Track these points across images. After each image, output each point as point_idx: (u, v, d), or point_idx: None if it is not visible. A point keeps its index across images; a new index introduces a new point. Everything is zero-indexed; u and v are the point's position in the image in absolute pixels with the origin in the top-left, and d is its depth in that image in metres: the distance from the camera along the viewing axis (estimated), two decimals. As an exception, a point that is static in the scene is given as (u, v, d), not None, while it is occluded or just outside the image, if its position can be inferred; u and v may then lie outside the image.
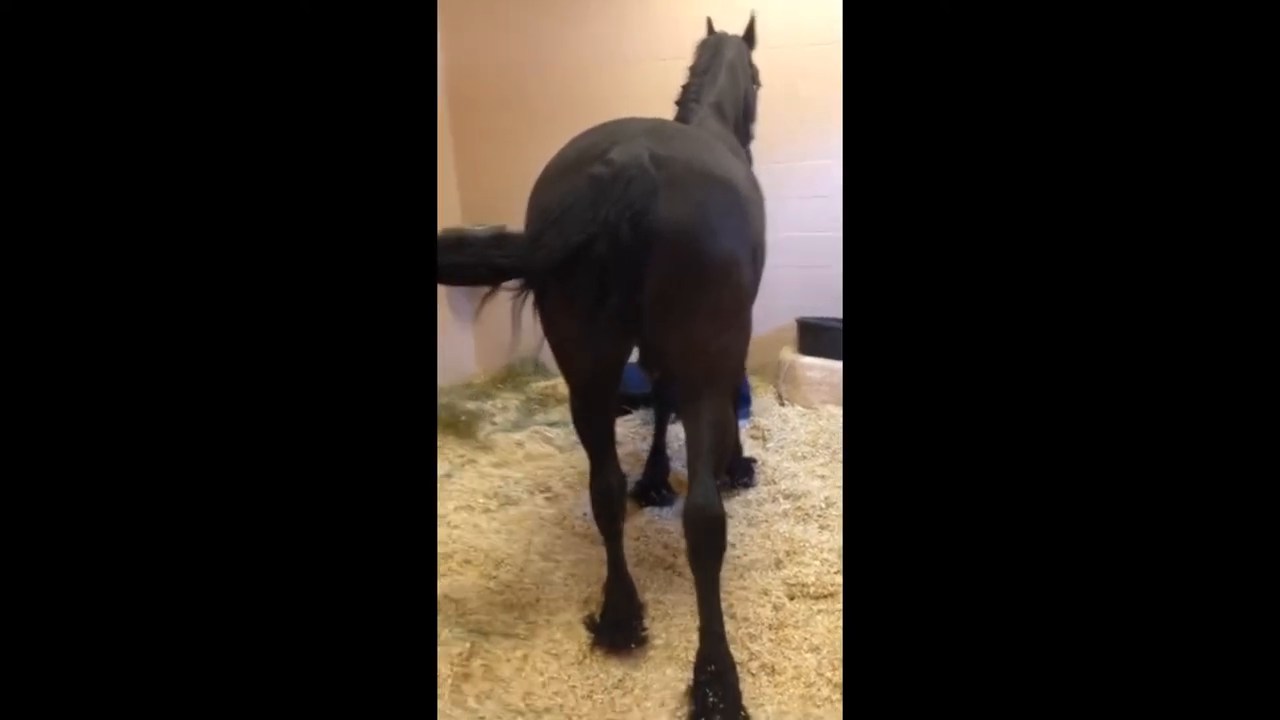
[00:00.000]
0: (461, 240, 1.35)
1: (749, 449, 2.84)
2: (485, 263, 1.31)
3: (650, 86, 2.41)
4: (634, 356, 1.69)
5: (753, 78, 2.54)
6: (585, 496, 1.95)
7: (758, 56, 2.61)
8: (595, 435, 1.71)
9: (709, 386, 1.49)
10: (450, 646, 1.77)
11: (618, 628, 1.75)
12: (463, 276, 1.34)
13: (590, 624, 1.81)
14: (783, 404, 3.41)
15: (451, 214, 3.85)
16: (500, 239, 1.36)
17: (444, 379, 3.70)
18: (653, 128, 1.51)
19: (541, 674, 1.67)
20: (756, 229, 1.61)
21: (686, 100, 2.21)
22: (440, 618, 1.89)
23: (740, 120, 2.42)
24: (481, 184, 3.86)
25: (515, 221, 1.63)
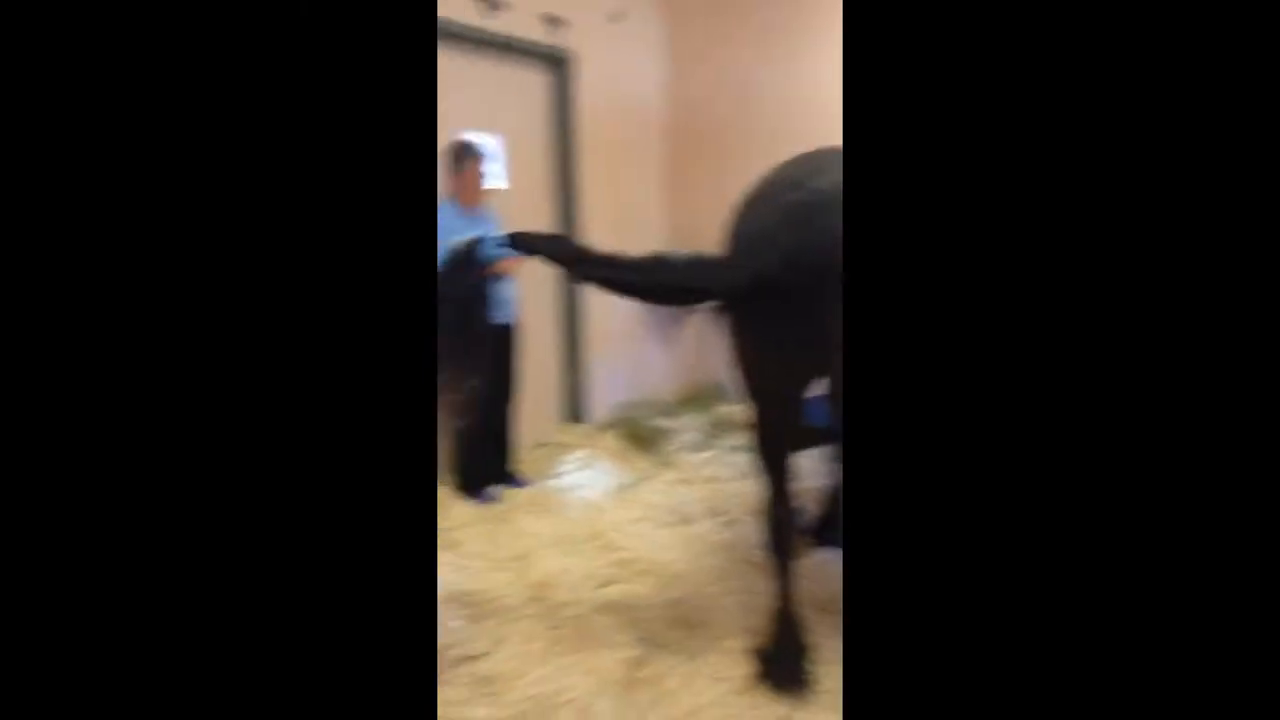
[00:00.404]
0: (660, 262, 1.44)
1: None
2: (681, 284, 1.39)
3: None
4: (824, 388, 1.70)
5: None
6: (760, 525, 1.98)
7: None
8: (774, 465, 1.73)
9: None
10: (622, 650, 1.88)
11: (783, 665, 1.76)
12: (660, 297, 1.42)
13: (756, 655, 1.83)
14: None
15: (657, 244, 4.06)
16: (697, 262, 1.44)
17: (634, 394, 3.90)
18: None
19: (707, 694, 1.73)
20: None
21: None
22: (615, 622, 2.02)
23: None
24: (689, 216, 4.02)
25: (717, 250, 1.71)
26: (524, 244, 1.56)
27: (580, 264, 1.59)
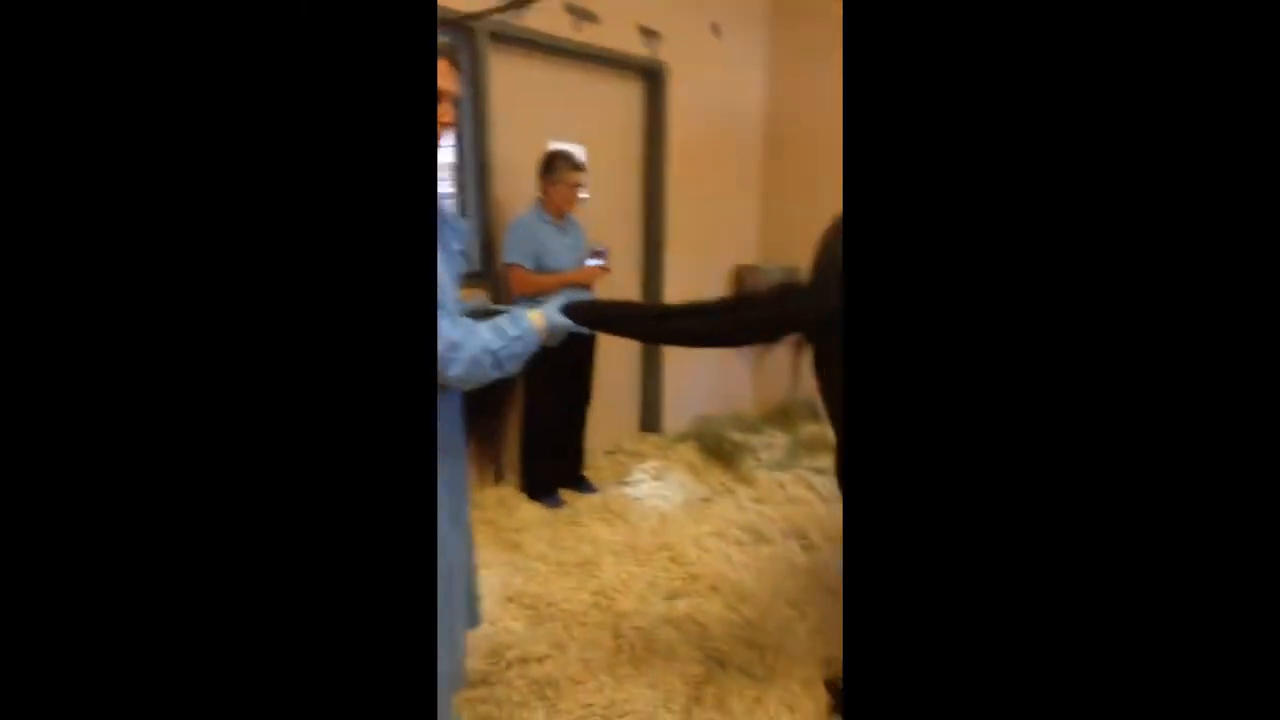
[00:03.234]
0: (740, 301, 1.37)
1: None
2: (767, 321, 1.32)
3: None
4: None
5: None
6: (842, 551, 1.85)
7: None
8: None
9: None
10: (688, 666, 1.79)
11: (861, 701, 1.61)
12: (746, 339, 1.35)
13: (832, 689, 1.69)
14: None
15: (749, 253, 3.97)
16: (782, 293, 1.36)
17: (717, 407, 3.81)
18: None
19: (773, 722, 1.61)
20: None
21: None
22: (681, 636, 1.93)
23: None
24: (784, 226, 3.92)
25: (807, 264, 1.63)
26: (587, 318, 1.35)
27: (653, 324, 1.49)
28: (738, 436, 3.39)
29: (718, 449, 3.26)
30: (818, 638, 1.94)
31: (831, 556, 2.38)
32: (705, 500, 2.85)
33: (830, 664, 1.81)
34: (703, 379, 3.82)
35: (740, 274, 3.84)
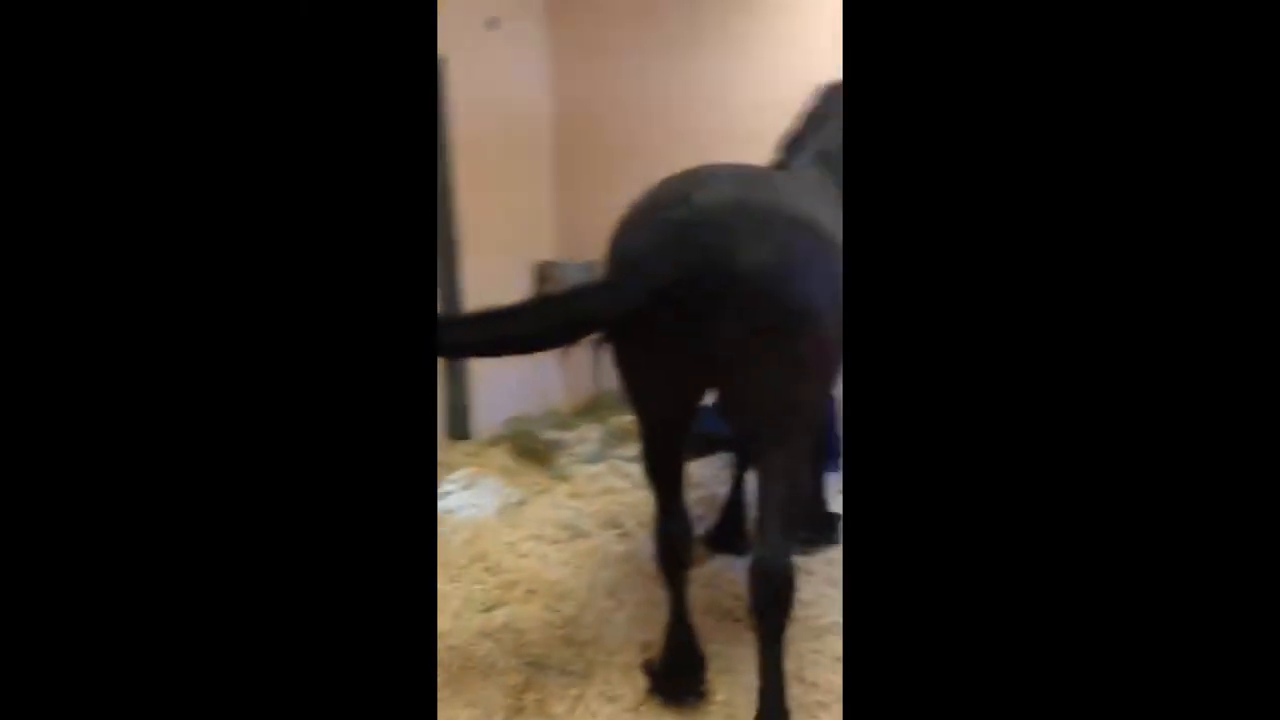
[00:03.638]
0: (542, 302, 1.35)
1: (837, 505, 2.69)
2: (569, 320, 1.30)
3: (763, 132, 2.38)
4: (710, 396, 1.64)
5: None
6: (652, 538, 1.90)
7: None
8: (664, 479, 1.66)
9: (783, 437, 1.42)
10: (507, 676, 1.73)
11: (677, 678, 1.66)
12: (545, 344, 1.32)
13: (649, 670, 1.72)
14: (873, 459, 3.23)
15: (548, 249, 3.95)
16: (579, 291, 1.36)
17: (529, 407, 3.75)
18: (738, 174, 1.48)
19: (595, 716, 1.60)
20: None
21: (788, 145, 2.17)
22: (499, 646, 1.87)
23: None
24: (581, 221, 3.94)
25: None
26: None
27: (446, 336, 1.39)
28: (551, 434, 3.37)
29: (531, 449, 3.21)
30: (636, 624, 1.97)
31: (646, 541, 2.44)
32: (520, 503, 2.79)
33: (648, 648, 1.84)
34: (512, 379, 3.74)
35: (542, 270, 3.80)
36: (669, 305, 1.28)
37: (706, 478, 3.03)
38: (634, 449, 3.34)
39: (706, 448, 3.23)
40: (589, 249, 3.93)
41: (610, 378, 1.55)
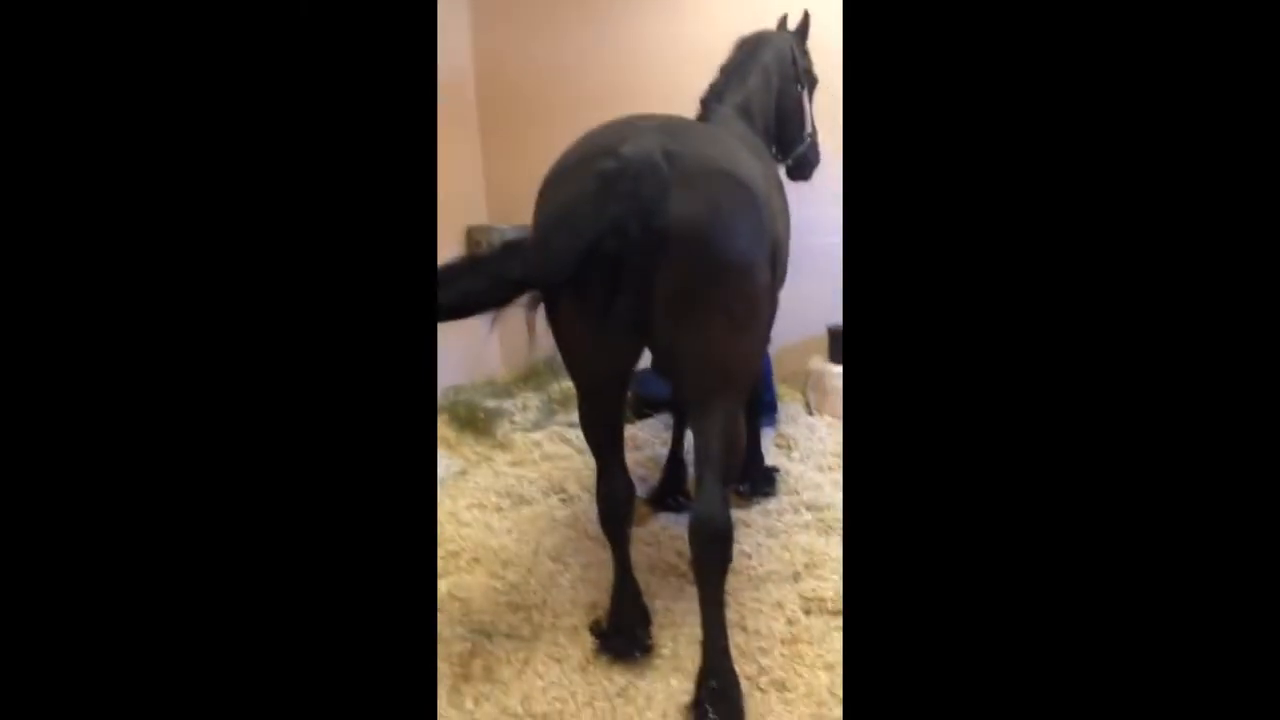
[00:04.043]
0: (471, 264, 1.31)
1: (772, 458, 2.76)
2: (499, 281, 1.27)
3: (685, 87, 2.35)
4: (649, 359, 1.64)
5: (798, 79, 2.43)
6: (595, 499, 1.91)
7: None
8: (603, 440, 1.66)
9: (720, 392, 1.43)
10: (451, 645, 1.72)
11: (623, 635, 1.69)
12: (479, 303, 1.29)
13: (596, 630, 1.75)
14: (810, 413, 3.32)
15: (479, 214, 3.85)
16: (510, 250, 1.32)
17: (466, 376, 3.69)
18: (665, 124, 1.46)
19: (542, 678, 1.62)
20: (776, 231, 1.55)
21: (709, 99, 2.15)
22: (443, 616, 1.85)
23: (771, 124, 2.35)
24: (510, 184, 3.85)
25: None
26: None
27: None
28: (490, 403, 3.33)
29: (471, 419, 3.16)
30: (581, 586, 1.99)
31: (589, 505, 2.45)
32: (461, 473, 2.76)
33: (594, 608, 1.86)
34: (449, 349, 3.65)
35: (472, 234, 3.71)
36: (600, 260, 1.26)
37: (647, 439, 3.06)
38: (574, 415, 3.33)
39: (647, 409, 3.26)
40: (520, 212, 3.85)
41: (546, 344, 1.54)
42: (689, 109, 2.15)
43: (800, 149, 2.46)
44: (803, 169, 2.56)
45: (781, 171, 2.44)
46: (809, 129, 2.46)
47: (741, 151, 1.54)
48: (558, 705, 1.53)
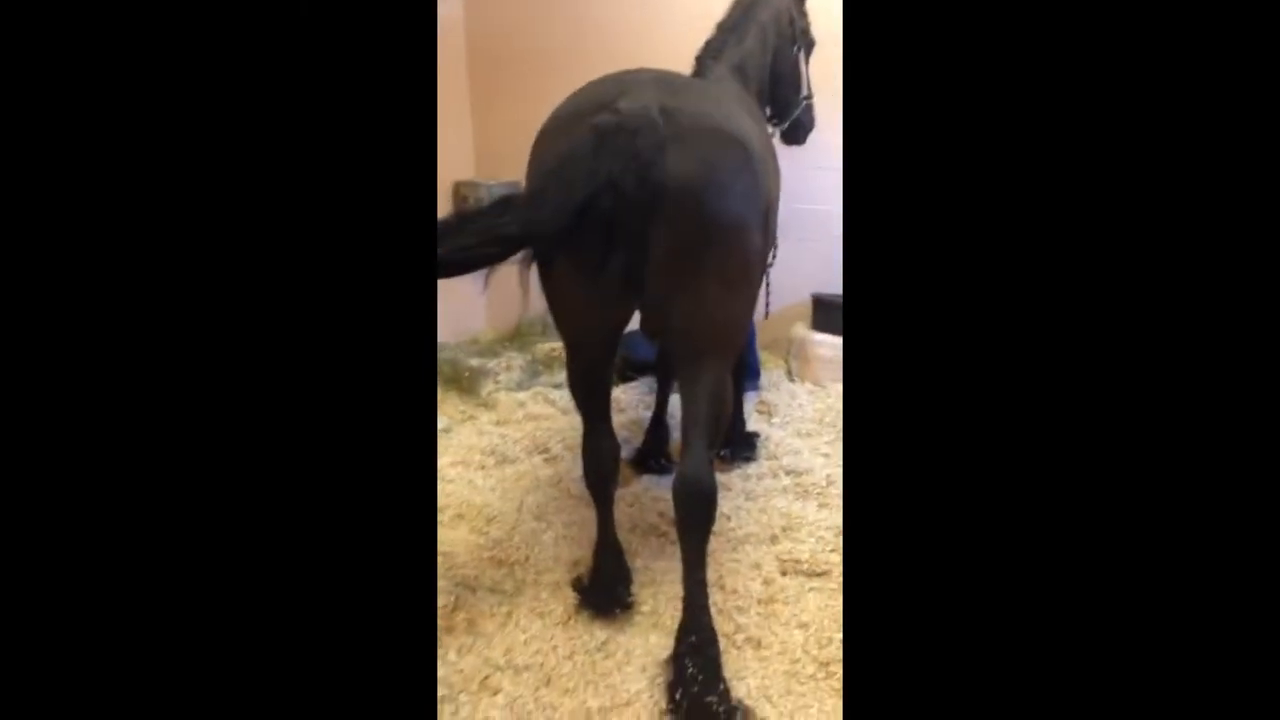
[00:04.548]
0: (462, 220, 1.29)
1: (754, 423, 2.80)
2: (491, 237, 1.25)
3: (678, 46, 2.31)
4: (636, 322, 1.65)
5: (796, 39, 2.37)
6: (579, 459, 1.93)
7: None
8: (591, 400, 1.67)
9: (710, 354, 1.44)
10: (437, 599, 1.76)
11: (604, 591, 1.73)
12: (472, 260, 1.26)
13: (577, 586, 1.79)
14: (792, 380, 3.36)
15: (466, 169, 3.79)
16: (502, 205, 1.30)
17: (451, 335, 3.67)
18: (662, 79, 1.44)
19: (525, 631, 1.66)
20: (769, 193, 1.55)
21: (704, 56, 2.12)
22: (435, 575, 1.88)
23: (766, 85, 2.31)
24: (498, 139, 3.78)
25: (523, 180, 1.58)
26: None
27: None
28: (475, 362, 3.32)
29: (455, 377, 3.16)
30: (564, 544, 2.03)
31: (573, 465, 2.48)
32: (445, 431, 2.77)
33: (576, 565, 1.90)
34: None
35: (459, 190, 3.66)
36: (595, 217, 1.25)
37: (631, 402, 3.09)
38: (559, 376, 3.34)
39: (631, 372, 3.27)
40: (508, 168, 3.80)
41: (535, 303, 1.53)
42: (684, 65, 2.12)
43: (795, 112, 2.43)
44: (797, 133, 2.53)
45: (775, 135, 2.42)
46: (805, 92, 2.43)
47: (737, 110, 1.53)
48: (539, 658, 1.57)
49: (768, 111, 2.39)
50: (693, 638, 1.45)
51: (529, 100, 3.49)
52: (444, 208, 3.65)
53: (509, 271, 1.36)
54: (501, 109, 3.72)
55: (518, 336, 3.68)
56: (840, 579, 1.85)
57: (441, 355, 3.39)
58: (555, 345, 3.56)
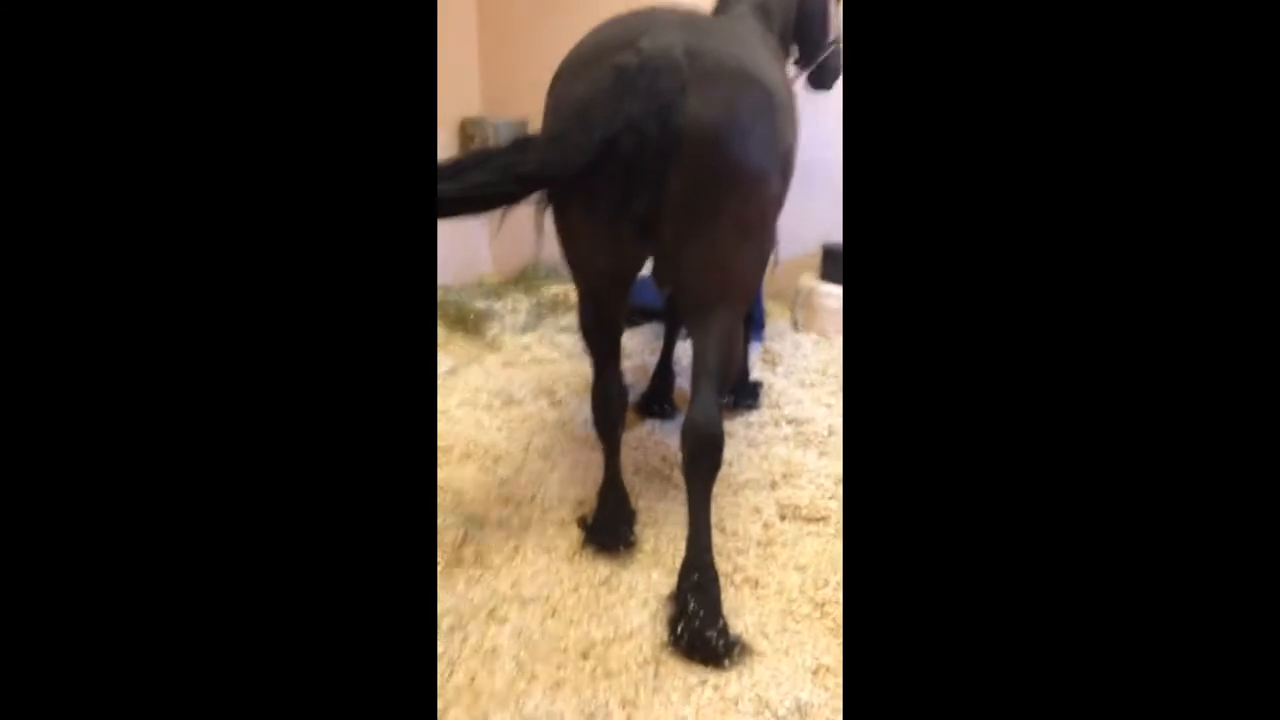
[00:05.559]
0: (480, 158, 1.26)
1: (757, 372, 2.82)
2: (510, 176, 1.23)
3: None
4: (647, 268, 1.65)
5: None
6: (588, 403, 1.95)
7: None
8: (601, 344, 1.68)
9: (722, 302, 1.45)
10: (444, 533, 1.81)
11: (608, 530, 1.78)
12: (488, 198, 1.25)
13: (582, 524, 1.84)
14: (797, 330, 3.37)
15: (473, 105, 3.71)
16: (521, 144, 1.28)
17: (456, 277, 3.67)
18: (686, 19, 1.40)
19: (531, 565, 1.71)
20: (788, 139, 1.52)
21: None
22: (436, 506, 1.93)
23: (790, 25, 2.24)
24: (506, 75, 3.69)
25: (537, 114, 1.55)
26: None
27: None
28: (480, 304, 3.33)
29: (461, 319, 3.17)
30: (569, 484, 2.07)
31: (578, 408, 2.51)
32: (451, 372, 2.80)
33: (581, 504, 1.95)
34: (440, 248, 3.61)
35: (465, 127, 3.59)
36: (614, 158, 1.24)
37: (636, 348, 3.10)
38: (564, 320, 3.35)
39: (637, 318, 3.28)
40: (516, 104, 3.72)
41: (543, 246, 1.53)
42: (703, 2, 2.06)
43: (823, 55, 2.35)
44: (824, 77, 2.45)
45: (800, 79, 2.35)
46: (833, 36, 2.35)
47: (761, 52, 1.49)
48: (545, 591, 1.63)
49: (794, 53, 2.32)
50: (695, 575, 1.50)
51: (538, 35, 3.41)
52: (450, 144, 3.59)
53: (515, 215, 1.35)
54: (509, 46, 3.62)
55: (523, 280, 3.68)
56: (839, 525, 1.91)
57: (447, 297, 3.39)
58: (560, 289, 3.56)
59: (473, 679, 1.37)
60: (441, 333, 3.12)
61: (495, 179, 1.21)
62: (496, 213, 1.30)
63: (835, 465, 2.19)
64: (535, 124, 1.56)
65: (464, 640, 1.47)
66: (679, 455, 1.59)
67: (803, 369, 2.94)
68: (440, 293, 3.49)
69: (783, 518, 1.95)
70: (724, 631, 1.45)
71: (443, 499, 1.96)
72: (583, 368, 2.80)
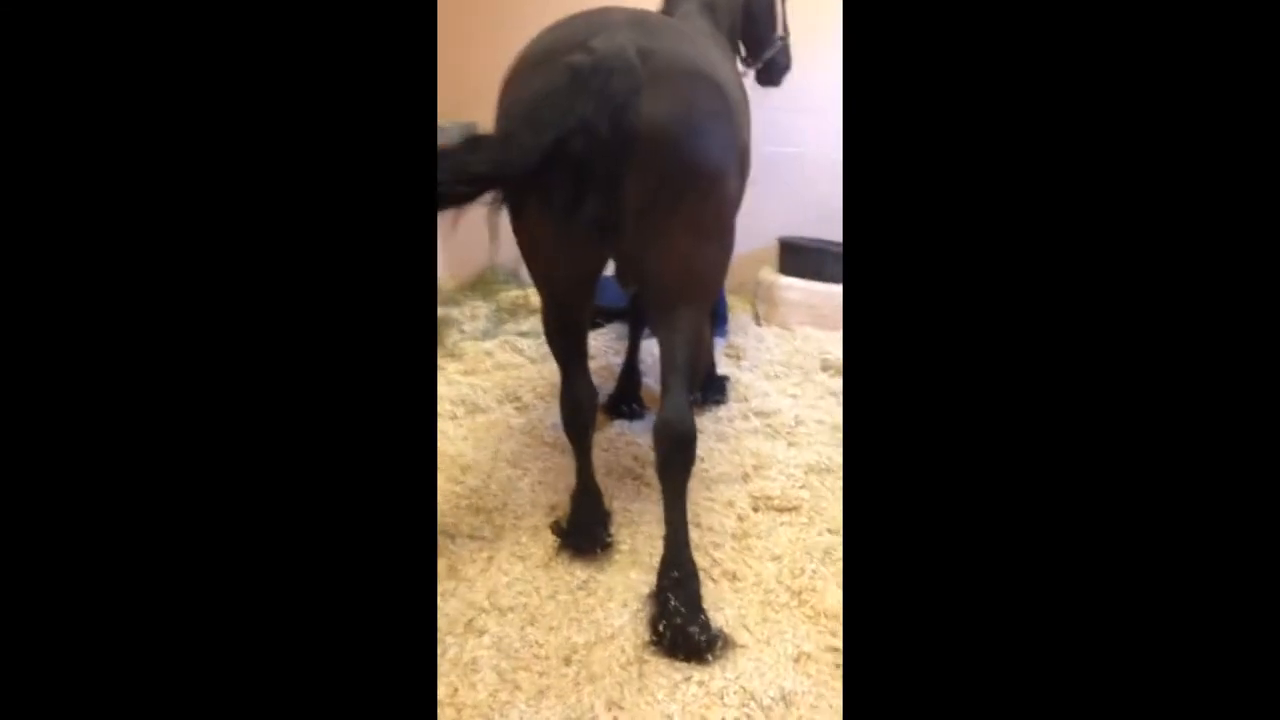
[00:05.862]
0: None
1: (722, 367, 2.83)
2: (460, 175, 1.20)
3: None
4: (609, 269, 1.63)
5: None
6: (555, 407, 1.93)
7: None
8: (567, 347, 1.67)
9: (686, 300, 1.45)
10: (415, 547, 1.77)
11: (584, 533, 1.76)
12: (441, 199, 1.21)
13: (557, 529, 1.82)
14: (759, 324, 3.40)
15: (422, 110, 3.65)
16: (473, 143, 1.25)
17: (413, 285, 3.60)
18: (637, 18, 1.39)
19: (507, 575, 1.68)
20: (743, 136, 1.53)
21: None
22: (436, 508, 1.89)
23: (738, 23, 2.26)
24: (454, 76, 3.63)
25: (488, 117, 1.53)
26: None
27: None
28: (438, 312, 3.27)
29: (419, 328, 3.11)
30: (540, 489, 2.05)
31: (545, 413, 2.49)
32: (413, 382, 2.74)
33: (554, 509, 1.93)
34: (392, 256, 3.54)
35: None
36: (568, 159, 1.22)
37: (600, 349, 3.09)
38: (525, 325, 3.32)
39: (600, 319, 3.27)
40: (467, 107, 3.66)
41: (499, 250, 1.50)
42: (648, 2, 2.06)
43: (770, 52, 2.38)
44: (772, 73, 2.48)
45: (749, 75, 2.38)
46: (780, 31, 2.38)
47: (714, 52, 1.50)
48: (523, 599, 1.61)
49: (741, 51, 2.34)
50: (675, 573, 1.50)
51: (487, 38, 3.37)
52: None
53: (469, 220, 1.33)
54: (457, 47, 3.56)
55: (480, 285, 3.63)
56: (810, 514, 1.92)
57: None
58: (520, 293, 3.52)
59: (454, 693, 1.34)
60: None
61: (447, 179, 1.18)
62: (449, 215, 1.27)
63: (804, 455, 2.22)
64: (485, 127, 1.54)
65: (442, 654, 1.43)
66: (650, 454, 1.58)
67: (767, 361, 2.96)
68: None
69: (756, 509, 1.96)
70: (706, 626, 1.45)
71: (412, 512, 1.91)
72: (548, 372, 2.77)
